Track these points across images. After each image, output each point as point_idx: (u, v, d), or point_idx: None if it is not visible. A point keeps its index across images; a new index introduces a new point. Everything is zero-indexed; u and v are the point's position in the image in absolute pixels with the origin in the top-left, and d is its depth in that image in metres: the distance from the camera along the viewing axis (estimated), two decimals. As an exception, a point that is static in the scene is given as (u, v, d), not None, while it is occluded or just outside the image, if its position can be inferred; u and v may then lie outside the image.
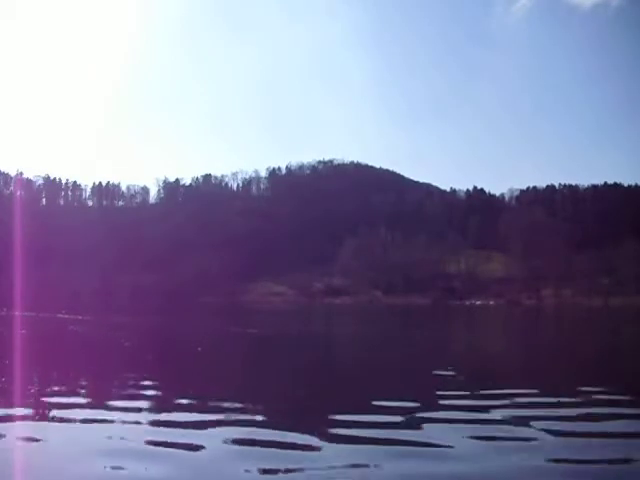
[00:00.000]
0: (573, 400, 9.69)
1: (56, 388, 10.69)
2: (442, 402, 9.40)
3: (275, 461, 6.15)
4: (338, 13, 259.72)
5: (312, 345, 22.76)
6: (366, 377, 13.11)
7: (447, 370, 13.11)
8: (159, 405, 9.35)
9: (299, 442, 6.89)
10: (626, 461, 6.24)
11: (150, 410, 8.92)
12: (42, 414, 8.34)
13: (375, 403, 9.28)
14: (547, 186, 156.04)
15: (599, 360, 17.32)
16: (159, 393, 10.61)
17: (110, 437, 7.05)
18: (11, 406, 8.65)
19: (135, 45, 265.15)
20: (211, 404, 9.27)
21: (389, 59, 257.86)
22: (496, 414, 8.44)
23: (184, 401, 9.49)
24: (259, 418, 8.42)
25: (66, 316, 36.23)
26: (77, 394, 10.16)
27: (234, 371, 14.26)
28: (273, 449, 6.58)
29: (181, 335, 27.03)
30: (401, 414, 8.35)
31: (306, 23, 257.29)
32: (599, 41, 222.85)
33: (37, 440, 6.89)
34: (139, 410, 8.72)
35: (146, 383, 11.37)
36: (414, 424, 7.77)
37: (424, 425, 7.70)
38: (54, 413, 8.39)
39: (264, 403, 9.67)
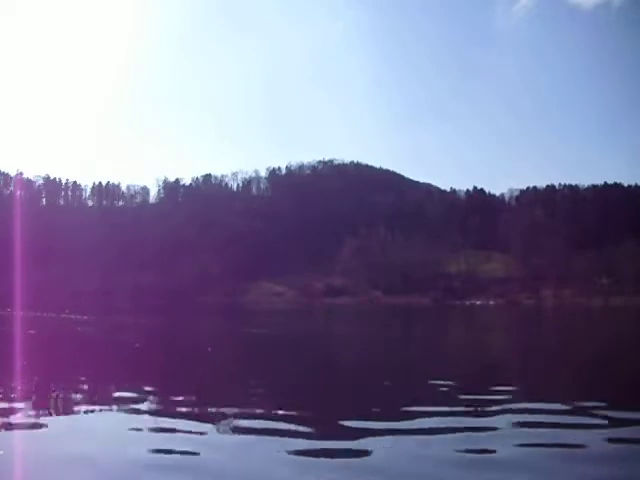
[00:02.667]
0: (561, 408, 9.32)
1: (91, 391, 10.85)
2: (415, 420, 8.53)
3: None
4: (338, 14, 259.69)
5: (312, 347, 22.78)
6: (360, 383, 13.05)
7: (440, 380, 12.20)
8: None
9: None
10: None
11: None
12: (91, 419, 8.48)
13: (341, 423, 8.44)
14: (547, 186, 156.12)
15: (597, 365, 16.89)
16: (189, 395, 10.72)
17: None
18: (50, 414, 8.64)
19: (135, 45, 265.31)
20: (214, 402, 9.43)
21: (389, 59, 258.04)
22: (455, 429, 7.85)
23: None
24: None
25: (71, 316, 36.18)
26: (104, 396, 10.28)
27: (244, 371, 14.31)
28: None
29: (188, 335, 27.06)
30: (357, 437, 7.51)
31: (306, 24, 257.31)
32: (600, 41, 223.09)
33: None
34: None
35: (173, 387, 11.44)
36: (365, 452, 6.89)
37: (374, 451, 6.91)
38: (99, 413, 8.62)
39: (246, 405, 9.66)
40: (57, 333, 25.56)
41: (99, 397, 10.09)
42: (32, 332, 23.67)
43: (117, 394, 10.45)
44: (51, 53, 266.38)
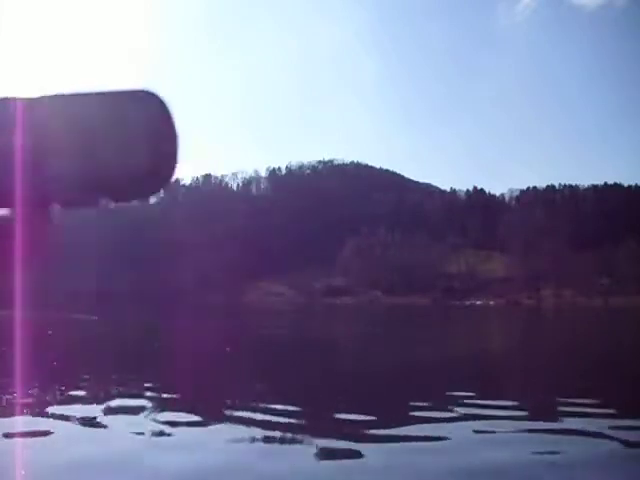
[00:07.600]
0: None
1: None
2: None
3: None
4: (340, 17, 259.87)
5: (313, 350, 22.66)
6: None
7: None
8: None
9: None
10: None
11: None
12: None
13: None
14: (547, 186, 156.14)
15: (598, 371, 15.86)
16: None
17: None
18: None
19: (137, 45, 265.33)
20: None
21: (390, 60, 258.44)
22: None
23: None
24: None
25: (82, 316, 35.88)
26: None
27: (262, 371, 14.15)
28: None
29: (200, 335, 26.79)
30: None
31: (306, 26, 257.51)
32: (602, 42, 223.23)
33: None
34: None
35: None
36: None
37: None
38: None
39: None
40: (80, 335, 25.02)
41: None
42: (50, 332, 22.20)
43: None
44: (64, 48, 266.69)
